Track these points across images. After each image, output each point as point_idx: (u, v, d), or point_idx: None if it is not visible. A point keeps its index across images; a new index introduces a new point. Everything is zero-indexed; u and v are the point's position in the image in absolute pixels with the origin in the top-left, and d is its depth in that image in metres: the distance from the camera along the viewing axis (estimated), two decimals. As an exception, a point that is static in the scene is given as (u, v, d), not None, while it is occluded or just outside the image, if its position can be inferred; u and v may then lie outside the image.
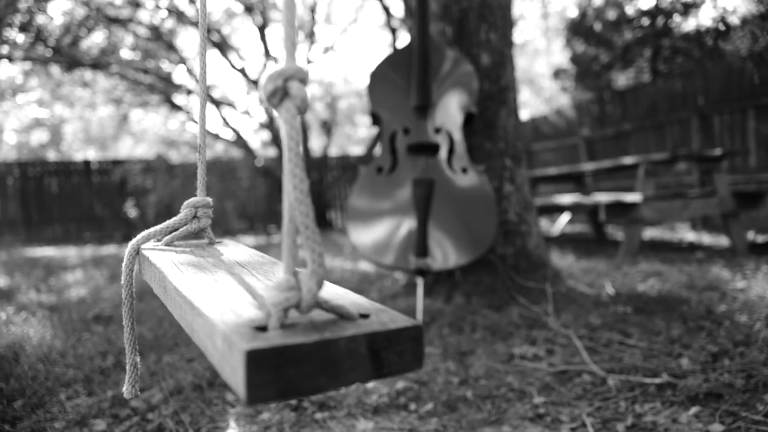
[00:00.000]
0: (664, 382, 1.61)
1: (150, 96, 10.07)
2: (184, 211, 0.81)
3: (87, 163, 10.74)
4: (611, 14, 8.89)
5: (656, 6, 8.28)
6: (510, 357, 1.98)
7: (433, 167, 2.61)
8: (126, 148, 20.42)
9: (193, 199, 0.83)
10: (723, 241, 4.72)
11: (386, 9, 9.41)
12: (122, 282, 0.78)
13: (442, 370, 1.87)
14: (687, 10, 8.00)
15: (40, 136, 19.29)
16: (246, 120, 23.13)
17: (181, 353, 2.15)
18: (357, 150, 15.88)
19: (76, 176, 10.62)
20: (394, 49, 2.79)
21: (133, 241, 0.80)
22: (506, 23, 2.99)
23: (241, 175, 11.29)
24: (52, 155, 19.23)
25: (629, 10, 8.73)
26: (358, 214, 2.64)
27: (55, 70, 9.55)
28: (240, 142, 9.91)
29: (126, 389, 0.78)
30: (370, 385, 1.75)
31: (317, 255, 0.44)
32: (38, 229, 10.37)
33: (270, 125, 9.98)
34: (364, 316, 0.46)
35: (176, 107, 9.95)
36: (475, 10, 2.90)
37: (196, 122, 9.98)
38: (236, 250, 0.84)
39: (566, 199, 4.84)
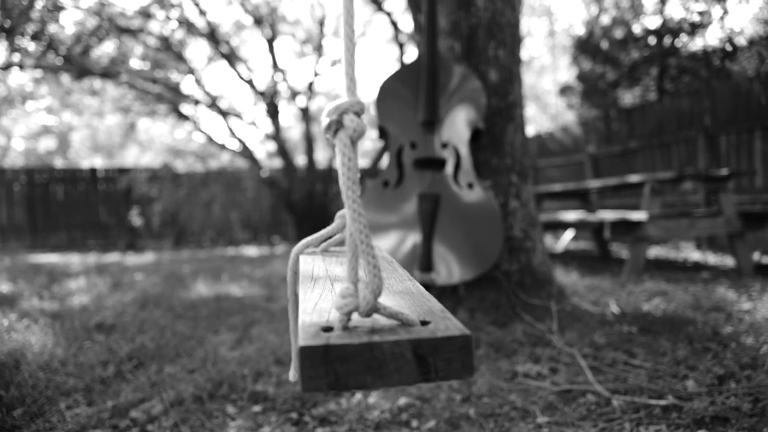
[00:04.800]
0: (669, 404, 1.59)
1: (158, 105, 10.14)
2: (336, 222, 0.88)
3: (93, 170, 10.81)
4: (618, 33, 8.92)
5: (663, 25, 8.31)
6: (513, 375, 1.96)
7: (440, 182, 2.61)
8: (132, 157, 20.56)
9: (343, 210, 0.89)
10: (728, 261, 4.69)
11: (394, 24, 9.48)
12: (288, 281, 0.86)
13: (445, 387, 1.85)
14: (694, 30, 8.02)
15: (47, 144, 19.46)
16: (252, 131, 23.25)
17: (183, 364, 2.14)
18: (361, 163, 15.90)
19: (83, 183, 10.68)
20: (403, 63, 2.80)
21: (296, 247, 0.89)
22: (514, 40, 3.00)
23: (247, 185, 11.33)
24: (59, 162, 19.37)
25: (636, 29, 8.77)
26: (362, 228, 2.63)
27: (65, 78, 9.64)
28: (246, 152, 9.95)
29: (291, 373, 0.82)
30: (372, 400, 1.74)
31: (372, 267, 0.49)
32: (44, 235, 10.41)
33: (276, 136, 10.02)
34: (425, 323, 0.49)
35: (183, 117, 10.01)
36: (484, 27, 2.91)
37: (203, 132, 10.02)
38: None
39: (571, 215, 4.83)
